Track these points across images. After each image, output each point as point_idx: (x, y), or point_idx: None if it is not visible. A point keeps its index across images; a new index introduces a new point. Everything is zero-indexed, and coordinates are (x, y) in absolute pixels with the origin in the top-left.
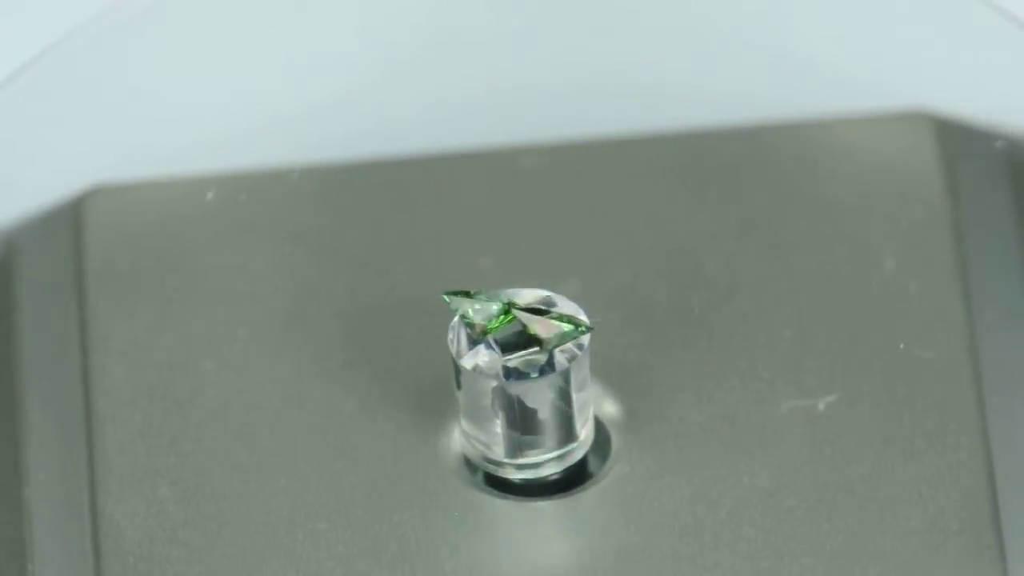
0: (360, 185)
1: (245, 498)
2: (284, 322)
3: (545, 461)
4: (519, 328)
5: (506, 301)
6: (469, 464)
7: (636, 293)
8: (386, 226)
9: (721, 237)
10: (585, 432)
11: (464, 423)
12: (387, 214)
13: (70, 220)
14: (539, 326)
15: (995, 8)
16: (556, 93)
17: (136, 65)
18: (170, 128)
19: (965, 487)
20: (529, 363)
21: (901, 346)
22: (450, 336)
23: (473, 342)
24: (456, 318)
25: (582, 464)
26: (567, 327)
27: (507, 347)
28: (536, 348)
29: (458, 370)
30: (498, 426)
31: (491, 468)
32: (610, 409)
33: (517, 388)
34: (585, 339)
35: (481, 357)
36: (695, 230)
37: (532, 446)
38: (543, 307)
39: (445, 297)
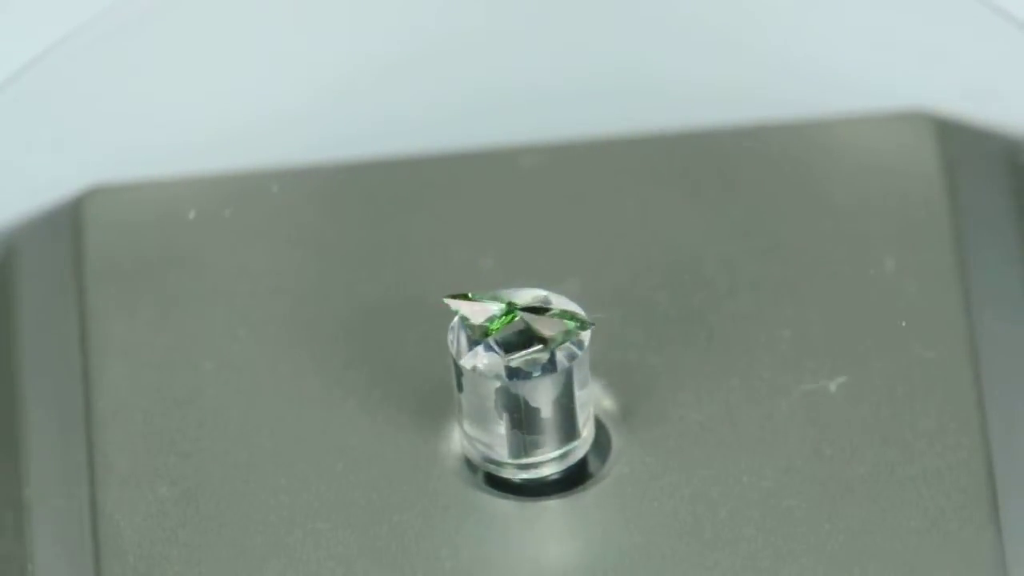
0: (360, 185)
1: (245, 498)
2: (284, 322)
3: (548, 460)
4: (519, 328)
5: (507, 302)
6: (469, 464)
7: (636, 293)
8: (386, 226)
9: (721, 237)
10: (587, 430)
11: (466, 425)
12: (387, 214)
13: (70, 220)
14: (542, 324)
15: (995, 8)
16: (556, 93)
17: (136, 65)
18: (170, 128)
19: (965, 487)
20: (531, 362)
21: (903, 323)
22: (450, 337)
23: (473, 343)
24: (456, 319)
25: (582, 464)
26: (569, 324)
27: (508, 347)
28: (538, 347)
29: (459, 372)
30: (502, 427)
31: (492, 468)
32: (610, 409)
33: (521, 388)
34: (586, 335)
35: (481, 358)
36: (695, 230)
37: (536, 445)
38: (543, 306)
39: (446, 300)
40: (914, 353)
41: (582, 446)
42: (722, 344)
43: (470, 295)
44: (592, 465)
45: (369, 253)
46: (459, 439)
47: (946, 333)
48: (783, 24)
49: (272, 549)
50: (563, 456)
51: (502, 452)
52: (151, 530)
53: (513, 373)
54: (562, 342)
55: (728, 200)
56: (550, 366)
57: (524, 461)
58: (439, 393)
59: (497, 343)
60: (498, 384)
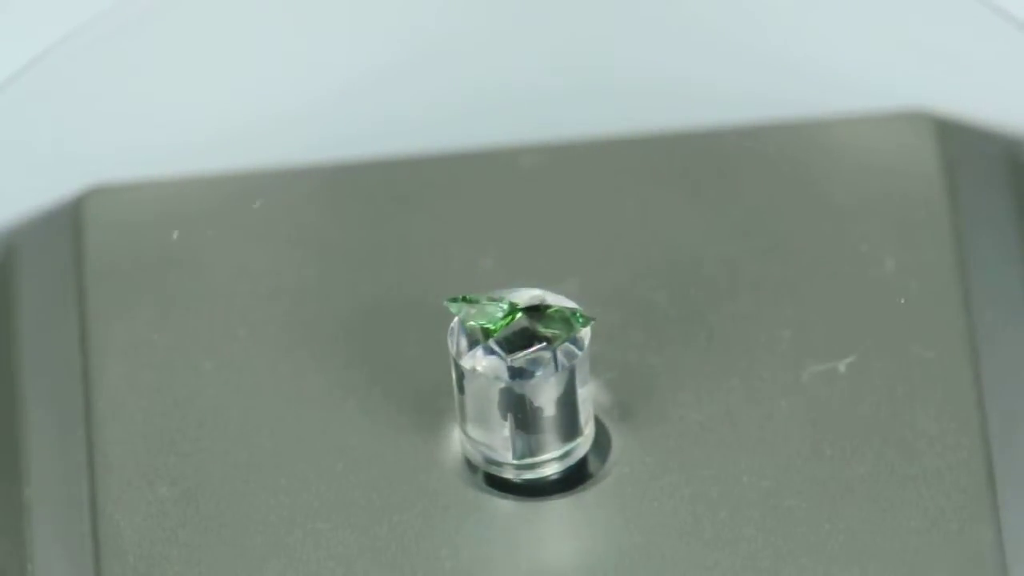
0: (360, 185)
1: (245, 498)
2: (284, 322)
3: (551, 459)
4: (519, 327)
5: (507, 302)
6: (469, 464)
7: (636, 293)
8: (386, 226)
9: (721, 237)
10: (588, 428)
11: (467, 427)
12: (387, 214)
13: (70, 220)
14: (542, 323)
15: (995, 8)
16: (556, 93)
17: (136, 65)
18: (170, 128)
19: (965, 487)
20: (534, 361)
21: (902, 301)
22: (450, 339)
23: (472, 344)
24: (455, 321)
25: (582, 464)
26: (570, 321)
27: (510, 347)
28: (539, 346)
29: (461, 375)
30: (506, 428)
31: (491, 468)
32: (611, 409)
33: (524, 388)
34: (586, 332)
35: (483, 360)
36: (695, 230)
37: (540, 445)
38: (542, 304)
39: (447, 304)
40: (914, 353)
41: (584, 444)
42: (722, 344)
43: (469, 297)
44: (592, 465)
45: (369, 253)
46: (459, 439)
47: (946, 333)
48: (783, 24)
49: (272, 549)
50: (566, 455)
51: (505, 453)
52: (151, 530)
53: (516, 373)
54: (564, 340)
55: (728, 200)
56: (552, 364)
57: (527, 461)
58: (439, 393)
59: (498, 344)
60: (501, 385)
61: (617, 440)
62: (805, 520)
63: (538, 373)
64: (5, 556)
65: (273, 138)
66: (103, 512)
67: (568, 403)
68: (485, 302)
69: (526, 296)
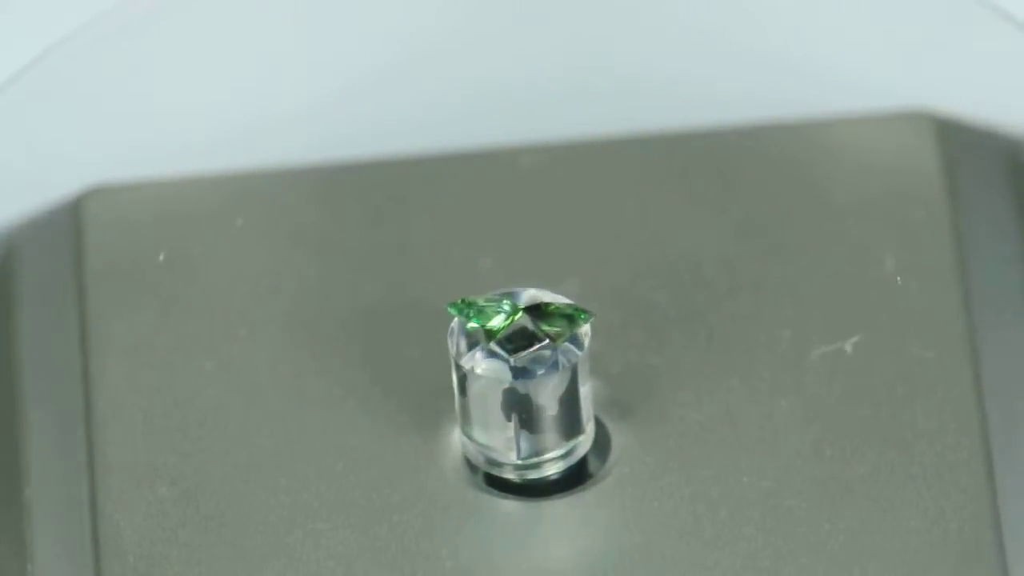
0: (360, 185)
1: (245, 498)
2: (284, 322)
3: (556, 457)
4: (519, 327)
5: (510, 304)
6: (470, 464)
7: (636, 293)
8: (386, 226)
9: (721, 237)
10: (589, 426)
11: (471, 430)
12: (387, 214)
13: (70, 220)
14: (544, 321)
15: (995, 8)
16: (556, 93)
17: (136, 65)
18: (170, 128)
19: (965, 487)
20: (536, 360)
21: (898, 280)
22: (450, 340)
23: (472, 345)
24: (455, 321)
25: (582, 464)
26: (573, 316)
27: (512, 348)
28: (541, 344)
29: (463, 376)
30: (509, 428)
31: (491, 468)
32: (610, 409)
33: (528, 387)
34: (586, 328)
35: (484, 361)
36: (695, 230)
37: (544, 444)
38: (542, 303)
39: (449, 308)
40: (914, 353)
41: (586, 442)
42: (722, 344)
43: (469, 300)
44: (592, 465)
45: (369, 253)
46: (459, 440)
47: (946, 333)
48: (783, 24)
49: (272, 549)
50: (569, 453)
51: (509, 453)
52: (151, 530)
53: (520, 373)
54: (566, 337)
55: (728, 200)
56: (554, 362)
57: (531, 461)
58: (439, 393)
59: (499, 344)
60: (505, 386)
61: (617, 440)
62: (805, 520)
63: (541, 372)
64: (5, 556)
65: (273, 138)
66: (103, 512)
67: (571, 400)
68: (485, 304)
69: (523, 296)
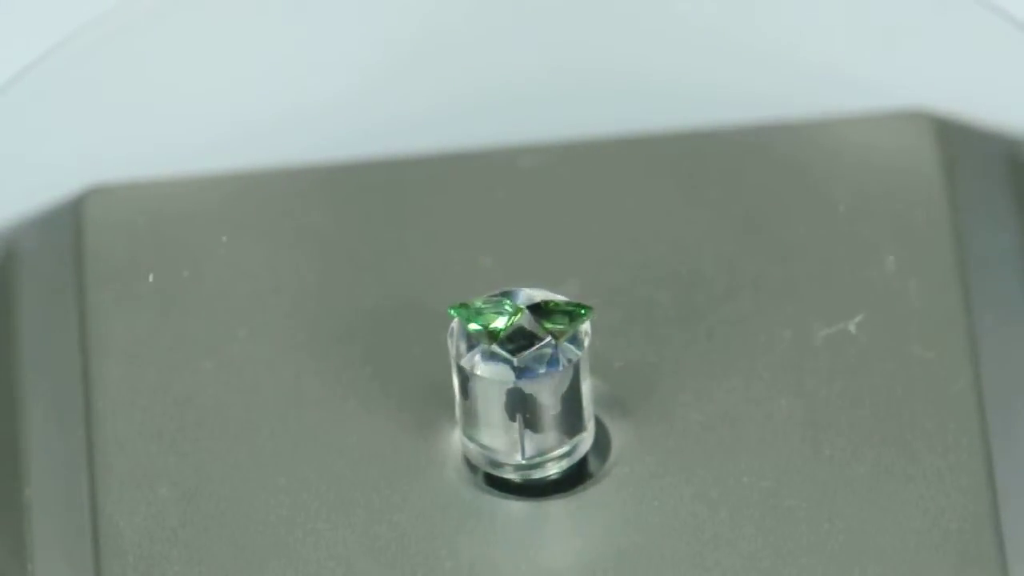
0: (360, 185)
1: (245, 498)
2: (284, 322)
3: (559, 456)
4: (519, 327)
5: (511, 304)
6: (469, 464)
7: (636, 293)
8: (386, 226)
9: (721, 237)
10: (590, 424)
11: (475, 432)
12: (387, 214)
13: (70, 220)
14: (545, 319)
15: (995, 9)
16: (555, 93)
17: (136, 65)
18: (170, 128)
19: (965, 487)
20: (538, 359)
21: (891, 258)
22: (450, 341)
23: (472, 346)
24: (454, 323)
25: (582, 464)
26: (574, 313)
27: (513, 348)
28: (542, 343)
29: (465, 379)
30: (513, 429)
31: (491, 468)
32: (610, 409)
33: (531, 387)
34: (587, 325)
35: (486, 362)
36: (695, 230)
37: (548, 442)
38: (541, 301)
39: (450, 311)
40: (914, 353)
41: (588, 439)
42: (722, 344)
43: (470, 303)
44: (592, 465)
45: (369, 253)
46: (459, 439)
47: (946, 333)
48: (783, 24)
49: (272, 549)
50: (571, 451)
51: (512, 453)
52: (151, 530)
53: (522, 373)
54: (569, 334)
55: (728, 200)
56: (556, 360)
57: (536, 460)
58: (439, 392)
59: (500, 345)
60: (509, 386)
61: (617, 440)
62: (805, 520)
63: (543, 370)
64: (5, 556)
65: (273, 138)
66: (103, 512)
67: (574, 398)
68: (484, 305)
69: (521, 296)
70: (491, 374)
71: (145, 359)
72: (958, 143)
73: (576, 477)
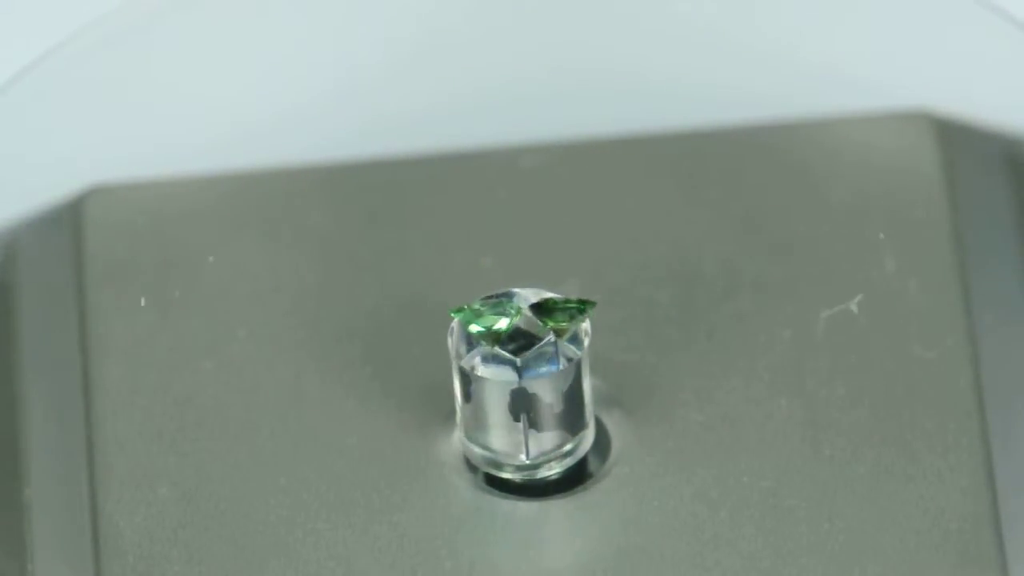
0: (360, 185)
1: (245, 498)
2: (284, 322)
3: (561, 455)
4: (520, 325)
5: (512, 305)
6: (469, 464)
7: (636, 293)
8: (386, 226)
9: (721, 237)
10: (591, 422)
11: (477, 434)
12: (387, 214)
13: (70, 220)
14: (546, 317)
15: (995, 8)
16: (556, 93)
17: (136, 66)
18: (171, 128)
19: (965, 487)
20: (540, 358)
21: (881, 236)
22: (450, 341)
23: (471, 346)
24: (454, 323)
25: (582, 464)
26: (576, 309)
27: (515, 348)
28: (544, 341)
29: (467, 381)
30: (519, 430)
31: (491, 468)
32: (610, 409)
33: (535, 386)
34: (587, 323)
35: (488, 363)
36: (695, 230)
37: (551, 442)
38: (541, 300)
39: (452, 315)
40: (914, 353)
41: (589, 437)
42: (722, 344)
43: (471, 305)
44: (592, 465)
45: (369, 253)
46: (459, 439)
47: (946, 333)
48: (783, 24)
49: (272, 549)
50: (573, 449)
51: (516, 453)
52: (151, 530)
53: (525, 372)
54: (571, 331)
55: (728, 200)
56: (557, 359)
57: (538, 460)
58: (439, 392)
59: (501, 345)
60: (513, 386)
61: (617, 440)
62: (805, 520)
63: (545, 369)
64: (5, 556)
65: (273, 138)
66: (103, 512)
67: (576, 396)
68: (483, 307)
69: (520, 296)
70: (493, 375)
71: (145, 359)
72: (958, 143)
73: (576, 477)
